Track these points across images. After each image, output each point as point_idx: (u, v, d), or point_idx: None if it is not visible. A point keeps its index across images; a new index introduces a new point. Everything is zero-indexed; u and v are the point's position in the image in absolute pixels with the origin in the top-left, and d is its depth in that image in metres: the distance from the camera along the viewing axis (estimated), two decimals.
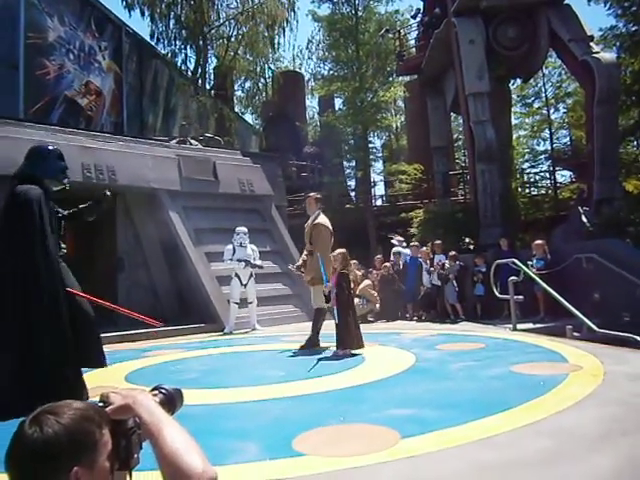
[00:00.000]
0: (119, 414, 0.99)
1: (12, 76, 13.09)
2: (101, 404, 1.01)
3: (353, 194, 23.28)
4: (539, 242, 9.09)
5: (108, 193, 4.37)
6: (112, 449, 0.97)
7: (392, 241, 11.61)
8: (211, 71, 23.16)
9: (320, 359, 5.50)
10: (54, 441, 0.89)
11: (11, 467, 0.90)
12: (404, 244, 11.30)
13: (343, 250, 6.02)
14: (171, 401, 1.10)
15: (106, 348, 6.81)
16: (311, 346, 6.31)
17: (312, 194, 6.99)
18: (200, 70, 21.57)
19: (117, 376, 5.05)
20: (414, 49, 16.60)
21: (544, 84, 19.05)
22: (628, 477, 2.33)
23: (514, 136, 17.05)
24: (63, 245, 4.14)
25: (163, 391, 1.10)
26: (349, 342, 5.67)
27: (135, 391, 1.05)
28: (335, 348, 5.78)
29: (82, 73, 15.68)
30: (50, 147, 4.30)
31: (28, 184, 3.85)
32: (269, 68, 24.01)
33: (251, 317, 9.10)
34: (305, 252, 6.81)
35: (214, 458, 0.93)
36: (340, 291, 5.80)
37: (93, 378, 4.87)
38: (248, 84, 24.44)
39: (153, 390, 1.11)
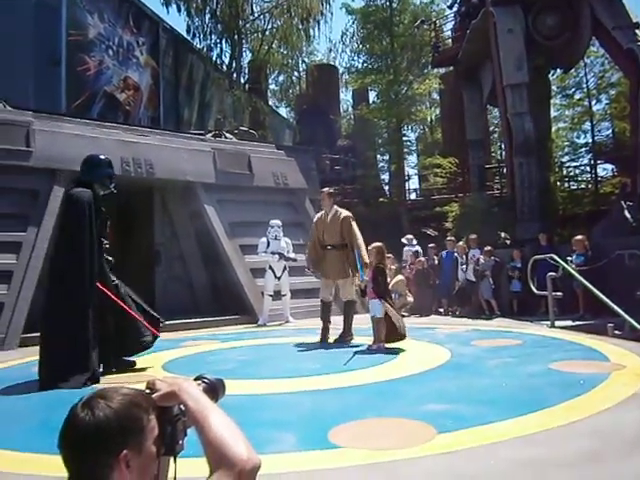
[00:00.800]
0: (165, 401, 1.02)
1: (54, 72, 13.47)
2: (148, 391, 1.04)
3: (387, 188, 23.07)
4: (579, 237, 8.87)
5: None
6: (158, 435, 0.99)
7: (402, 240, 11.49)
8: (246, 65, 23.29)
9: (354, 353, 5.50)
10: (105, 425, 0.92)
11: (64, 448, 0.94)
12: (414, 242, 11.26)
13: (379, 244, 5.97)
14: (214, 390, 1.11)
15: None
16: (344, 339, 6.33)
17: (326, 189, 7.02)
18: (235, 64, 21.71)
19: (155, 365, 5.17)
20: (450, 40, 16.30)
21: (585, 74, 18.38)
22: None
23: (553, 128, 16.58)
24: (106, 241, 4.91)
25: (206, 380, 1.12)
26: (384, 336, 5.65)
27: (180, 379, 1.07)
28: (371, 342, 5.78)
29: (120, 69, 16.00)
30: (102, 156, 5.18)
31: (82, 187, 4.76)
32: (303, 61, 24.03)
33: (285, 309, 9.16)
34: (307, 250, 6.88)
35: None
36: (376, 285, 5.78)
37: None
38: (282, 77, 24.54)
39: (196, 379, 1.13)
